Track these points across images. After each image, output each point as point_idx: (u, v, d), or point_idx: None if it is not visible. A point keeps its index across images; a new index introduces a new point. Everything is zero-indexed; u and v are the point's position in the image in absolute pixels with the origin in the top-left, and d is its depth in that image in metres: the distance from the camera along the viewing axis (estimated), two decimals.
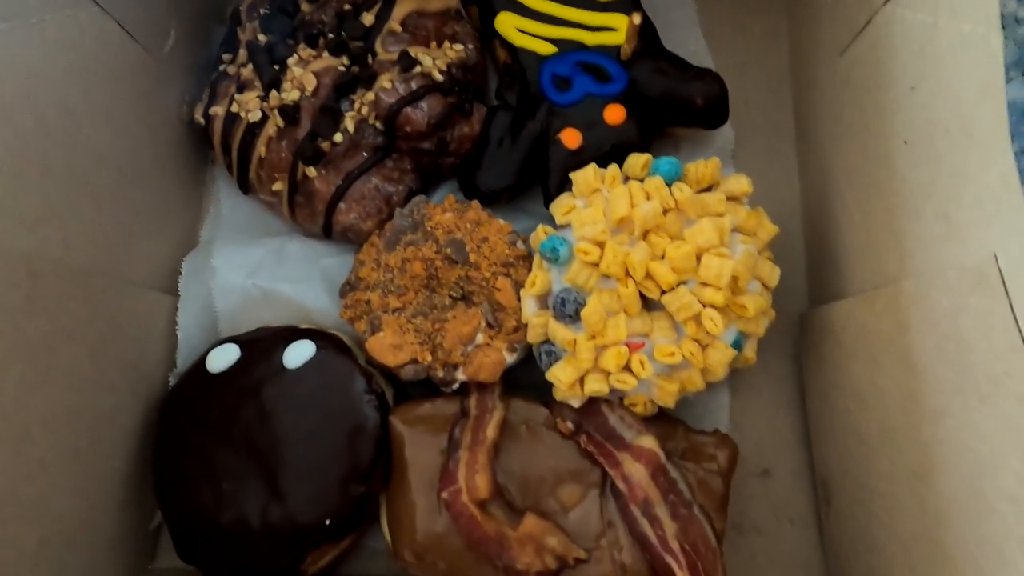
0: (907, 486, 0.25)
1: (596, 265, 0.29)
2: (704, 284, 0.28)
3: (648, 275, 0.28)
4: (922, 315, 0.24)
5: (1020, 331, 0.19)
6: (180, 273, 0.34)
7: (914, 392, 0.24)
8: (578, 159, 0.33)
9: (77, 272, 0.27)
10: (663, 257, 0.28)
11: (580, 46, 0.34)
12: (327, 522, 0.28)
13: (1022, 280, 0.19)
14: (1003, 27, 0.20)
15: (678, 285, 0.28)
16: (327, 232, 0.35)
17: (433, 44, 0.35)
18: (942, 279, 0.22)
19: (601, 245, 0.29)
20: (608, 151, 0.33)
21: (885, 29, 0.27)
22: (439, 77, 0.33)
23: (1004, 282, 0.20)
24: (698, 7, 0.40)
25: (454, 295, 0.32)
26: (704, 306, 0.28)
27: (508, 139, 0.35)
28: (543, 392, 0.31)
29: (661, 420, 0.31)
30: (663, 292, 0.28)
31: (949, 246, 0.22)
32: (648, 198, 0.29)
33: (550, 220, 0.32)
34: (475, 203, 0.33)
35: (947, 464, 0.23)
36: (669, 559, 0.26)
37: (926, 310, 0.23)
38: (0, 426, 0.24)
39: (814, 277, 0.35)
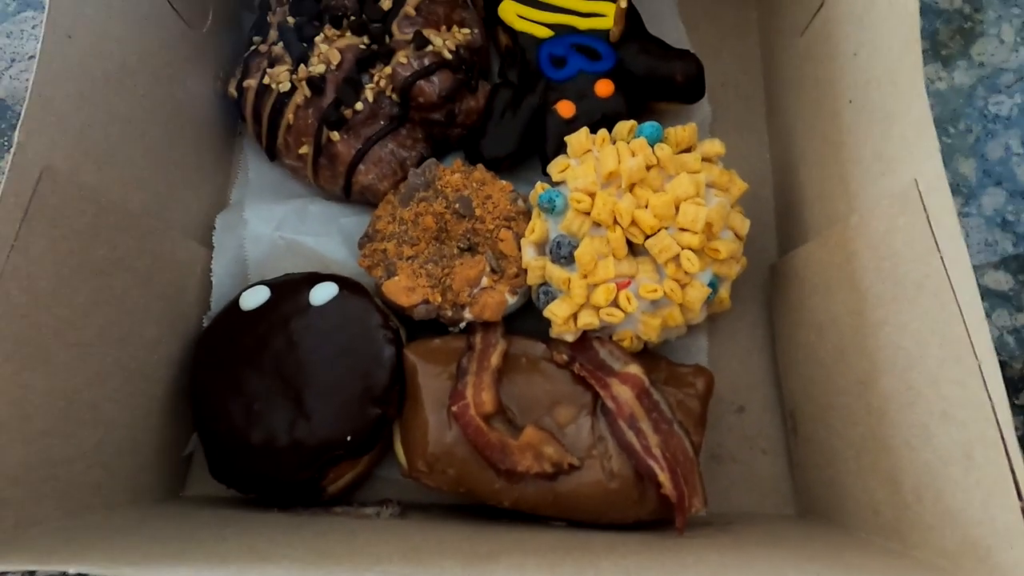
0: (856, 395, 0.29)
1: (588, 214, 0.33)
2: (682, 229, 0.32)
3: (633, 222, 0.32)
4: (864, 242, 0.28)
5: (934, 237, 0.23)
6: (214, 228, 0.38)
7: (860, 310, 0.28)
8: (572, 127, 0.37)
9: (131, 211, 0.31)
10: (647, 206, 0.32)
11: (574, 30, 0.39)
12: (348, 438, 0.32)
13: (935, 196, 0.23)
14: None
15: (659, 230, 0.32)
16: (347, 192, 0.39)
17: (443, 27, 0.39)
18: (879, 207, 0.27)
19: (592, 195, 0.33)
20: (598, 120, 0.37)
21: (834, 7, 0.32)
22: (448, 56, 0.38)
23: (922, 200, 0.24)
24: None
25: (461, 246, 0.36)
26: (682, 248, 0.32)
27: (510, 112, 0.39)
28: (540, 338, 0.35)
29: (646, 355, 0.35)
30: (647, 237, 0.32)
31: (883, 180, 0.27)
32: (633, 155, 0.33)
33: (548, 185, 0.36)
34: (480, 165, 0.37)
35: (886, 366, 0.27)
36: (652, 464, 0.30)
37: (867, 237, 0.27)
38: (68, 334, 0.27)
39: (782, 233, 0.39)
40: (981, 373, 0.21)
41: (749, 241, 0.36)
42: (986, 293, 0.40)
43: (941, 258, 0.23)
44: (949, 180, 0.42)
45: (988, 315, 0.40)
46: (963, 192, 0.42)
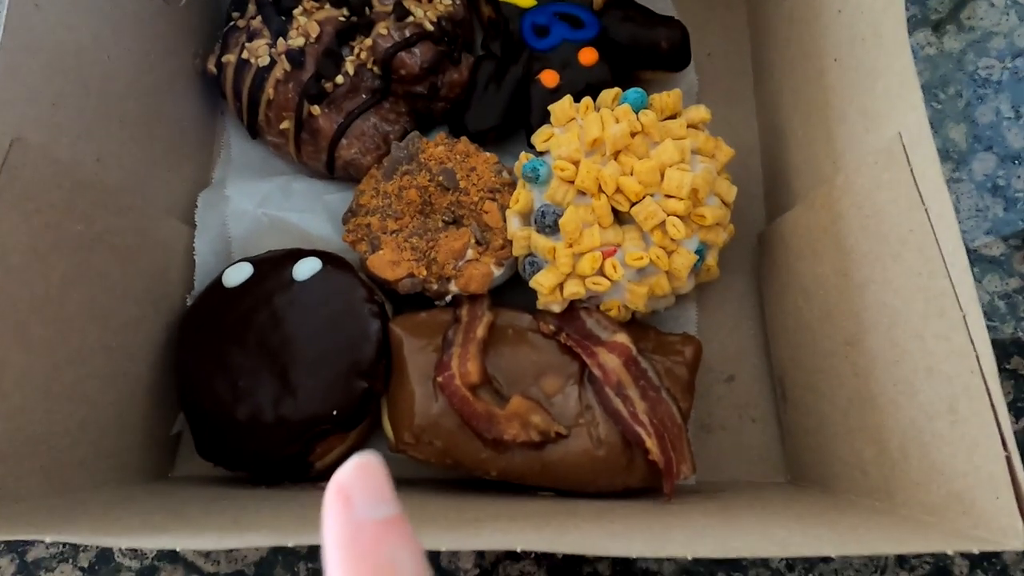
0: (843, 356, 0.29)
1: (572, 182, 0.32)
2: (668, 196, 0.32)
3: (618, 189, 0.32)
4: (850, 201, 0.27)
5: (919, 191, 0.23)
6: (196, 206, 0.38)
7: (846, 270, 0.28)
8: (556, 96, 0.37)
9: (108, 187, 0.31)
10: (631, 173, 0.32)
11: None
12: (334, 412, 0.31)
13: (919, 149, 0.23)
14: None
15: (644, 197, 0.32)
16: (330, 168, 0.38)
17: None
18: (864, 165, 0.26)
19: (576, 163, 0.32)
20: (583, 89, 0.37)
21: None
22: (430, 27, 0.37)
23: (907, 154, 0.23)
24: None
25: (446, 219, 0.35)
26: (668, 215, 0.32)
27: (493, 84, 0.39)
28: (527, 310, 0.34)
29: (634, 325, 0.35)
30: (632, 204, 0.32)
31: (868, 137, 0.26)
32: (617, 122, 0.33)
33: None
34: (464, 138, 0.37)
35: (871, 325, 0.26)
36: (639, 430, 0.29)
37: (852, 196, 0.27)
38: (45, 310, 0.27)
39: (771, 202, 0.39)
40: (966, 325, 0.21)
41: (737, 211, 0.36)
42: (977, 259, 0.40)
43: (925, 211, 0.22)
44: (939, 146, 0.41)
45: (979, 280, 0.40)
46: (953, 158, 0.42)
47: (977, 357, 0.20)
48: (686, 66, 0.39)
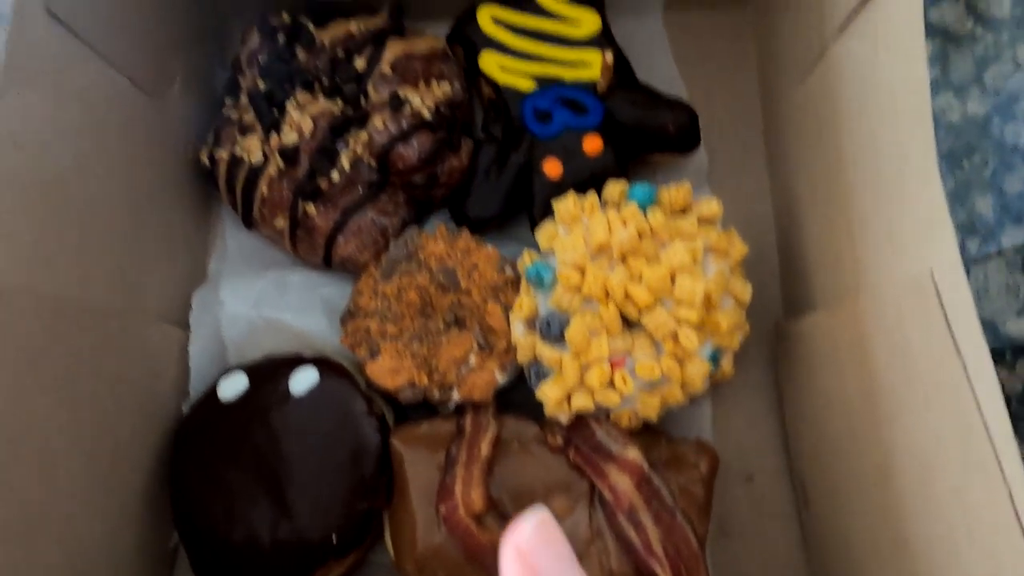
0: (871, 484, 0.27)
1: (578, 288, 0.31)
2: (679, 303, 0.30)
3: (627, 296, 0.30)
4: (875, 326, 0.25)
5: (954, 340, 0.21)
6: (191, 307, 0.37)
7: (872, 396, 0.26)
8: (560, 188, 0.35)
9: (95, 309, 0.29)
10: (641, 279, 0.30)
11: (559, 81, 0.37)
12: (333, 537, 0.30)
13: (953, 293, 0.21)
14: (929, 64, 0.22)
15: (655, 305, 0.30)
16: (327, 263, 0.37)
17: (421, 84, 0.37)
18: (891, 293, 0.24)
19: (582, 270, 0.31)
20: (587, 179, 0.35)
21: (836, 60, 0.29)
22: (427, 115, 0.36)
23: (939, 296, 0.21)
24: (669, 34, 0.42)
25: (447, 320, 0.34)
26: (680, 324, 0.30)
27: (494, 170, 0.37)
28: (534, 412, 0.33)
29: (645, 432, 0.33)
30: (642, 312, 0.30)
31: (895, 261, 0.24)
32: (624, 224, 0.31)
33: (536, 244, 0.34)
34: (465, 232, 0.36)
35: (902, 464, 0.24)
36: (653, 563, 0.28)
37: (878, 321, 0.25)
38: (29, 455, 0.26)
39: (788, 288, 0.37)
40: (1011, 499, 0.19)
41: (752, 292, 0.34)
42: (1009, 343, 0.38)
43: (963, 365, 0.21)
44: (964, 219, 0.39)
45: (1011, 367, 0.38)
46: (980, 232, 0.40)
47: None
48: (695, 148, 0.37)
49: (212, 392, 0.33)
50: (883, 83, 0.25)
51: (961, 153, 0.41)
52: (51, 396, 0.27)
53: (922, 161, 0.22)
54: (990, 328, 0.38)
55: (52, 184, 0.27)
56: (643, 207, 0.32)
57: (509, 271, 0.35)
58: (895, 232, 0.24)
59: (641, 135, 0.36)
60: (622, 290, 0.30)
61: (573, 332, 0.30)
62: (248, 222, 0.38)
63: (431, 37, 0.39)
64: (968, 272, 0.38)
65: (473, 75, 0.39)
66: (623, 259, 0.31)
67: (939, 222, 0.22)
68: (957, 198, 0.40)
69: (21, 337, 0.25)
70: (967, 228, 0.39)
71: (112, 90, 0.31)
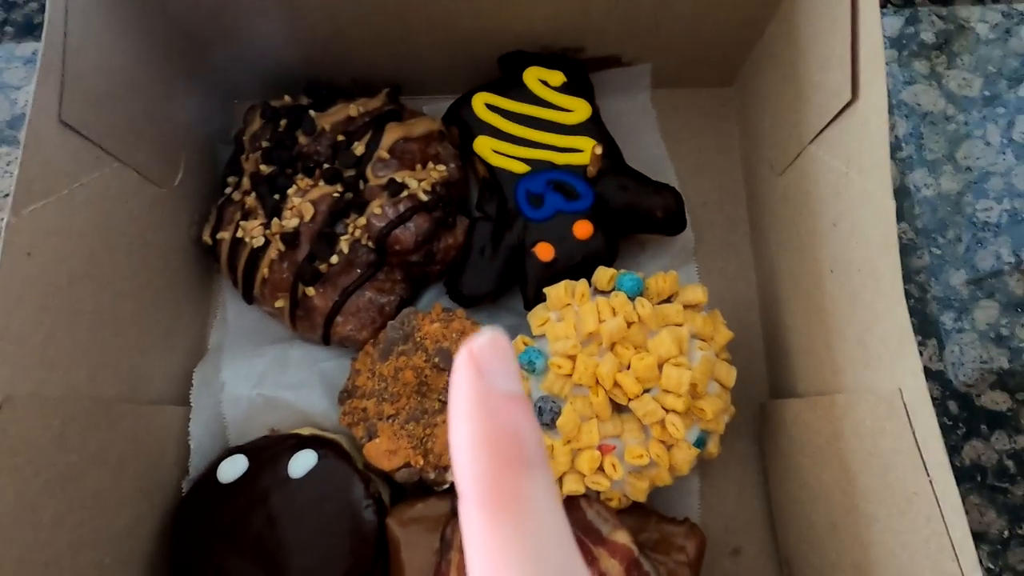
0: None
1: (569, 376, 0.32)
2: (666, 392, 0.31)
3: (616, 384, 0.32)
4: (852, 428, 0.27)
5: (922, 460, 0.22)
6: (191, 384, 0.37)
7: (851, 494, 0.27)
8: (552, 270, 0.37)
9: (102, 403, 0.30)
10: (629, 367, 0.32)
11: (551, 166, 0.38)
12: None
13: (921, 415, 0.22)
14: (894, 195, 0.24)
15: (643, 393, 0.31)
16: (326, 341, 0.38)
17: (418, 167, 0.39)
18: (865, 400, 0.26)
19: (573, 358, 0.32)
20: (579, 262, 0.37)
21: (811, 163, 0.31)
22: (424, 197, 0.37)
23: (908, 415, 0.23)
24: (656, 112, 0.44)
25: (443, 399, 0.35)
26: (667, 411, 0.31)
27: (489, 248, 0.38)
28: None
29: (635, 511, 0.34)
30: (630, 399, 0.32)
31: (867, 372, 0.26)
32: (614, 314, 0.32)
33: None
34: (460, 312, 0.37)
35: (879, 564, 0.26)
36: None
37: (854, 424, 0.27)
38: (33, 554, 0.26)
39: (772, 368, 0.39)
40: None
41: (738, 367, 0.35)
42: (982, 414, 0.39)
43: (930, 482, 0.22)
44: (940, 294, 0.41)
45: (987, 438, 0.39)
46: (955, 306, 0.41)
47: None
48: (681, 231, 0.39)
49: (212, 473, 0.34)
50: (854, 200, 0.26)
51: (935, 229, 0.43)
52: (58, 495, 0.27)
53: (890, 284, 0.24)
54: (966, 401, 0.40)
55: (62, 288, 0.28)
56: (631, 297, 0.33)
57: None
58: (867, 343, 0.26)
59: (630, 218, 0.38)
60: (611, 379, 0.31)
61: (564, 421, 0.31)
62: (249, 299, 0.39)
63: (428, 119, 0.41)
64: (943, 346, 0.40)
65: (468, 153, 0.40)
66: (612, 347, 0.32)
67: (906, 343, 0.23)
68: (933, 273, 0.42)
69: (28, 445, 0.26)
70: (943, 303, 0.41)
71: (122, 185, 0.33)
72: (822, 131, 0.29)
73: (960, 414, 0.39)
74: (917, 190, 0.43)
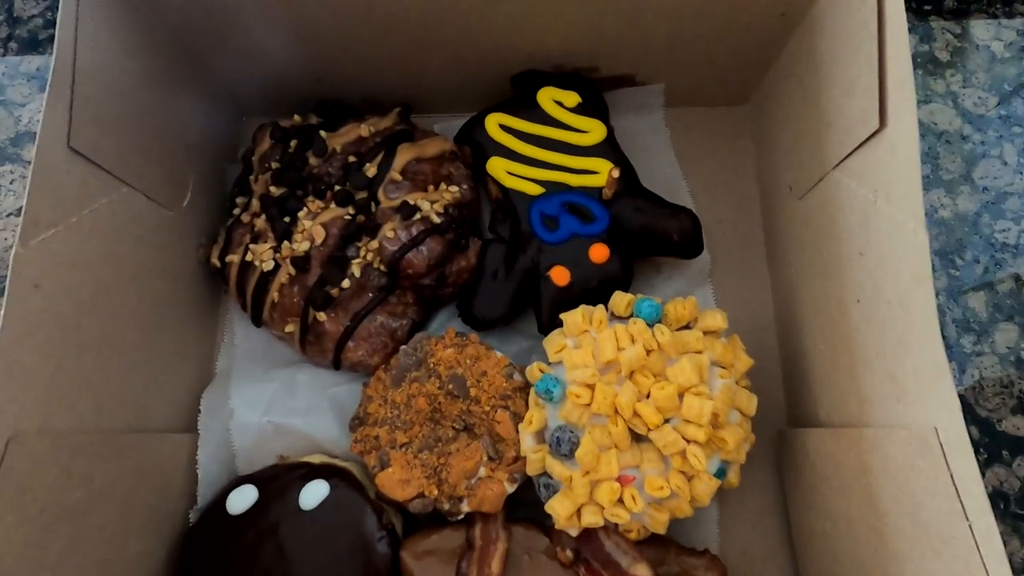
0: None
1: (588, 405, 0.31)
2: (687, 421, 0.31)
3: (636, 414, 0.31)
4: (881, 464, 0.26)
5: (961, 502, 0.21)
6: (199, 410, 0.37)
7: (880, 531, 0.27)
8: (567, 295, 0.36)
9: (108, 435, 0.30)
10: (649, 396, 0.31)
11: (565, 187, 0.38)
12: None
13: (959, 455, 0.22)
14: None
15: (663, 423, 0.31)
16: (337, 366, 0.37)
17: (431, 187, 0.38)
18: (895, 436, 0.25)
19: (591, 387, 0.31)
20: (595, 287, 0.36)
21: (835, 191, 0.30)
22: (437, 220, 0.36)
23: (944, 455, 0.22)
24: (670, 131, 0.44)
25: (456, 427, 0.34)
26: (688, 442, 0.30)
27: (502, 271, 0.38)
28: (541, 510, 0.33)
29: (654, 542, 0.33)
30: (650, 429, 0.31)
31: (898, 406, 0.25)
32: (632, 341, 0.32)
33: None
34: (473, 337, 0.36)
35: None
36: None
37: (884, 460, 0.26)
38: None
39: (791, 394, 0.38)
40: None
41: (755, 391, 0.34)
42: (1004, 439, 0.39)
43: (969, 526, 0.21)
44: (959, 316, 0.40)
45: (1008, 464, 0.38)
46: (975, 329, 0.41)
47: None
48: (698, 254, 0.38)
49: (221, 504, 0.33)
50: (883, 230, 0.26)
51: (953, 250, 0.42)
52: (66, 530, 0.27)
53: (923, 318, 0.23)
54: (987, 426, 0.39)
55: (70, 319, 0.27)
56: (649, 324, 0.33)
57: (517, 377, 0.35)
58: (898, 377, 0.25)
59: (646, 240, 0.37)
60: (631, 408, 0.31)
61: (583, 452, 0.31)
62: (258, 323, 0.38)
63: (440, 138, 0.40)
64: (963, 370, 0.40)
65: (480, 173, 0.40)
66: (631, 375, 0.31)
67: (941, 378, 0.22)
68: (951, 295, 0.41)
69: (35, 481, 0.25)
70: (962, 326, 0.41)
71: (130, 209, 0.32)
72: (847, 157, 0.29)
73: (981, 439, 0.39)
74: (934, 210, 0.43)
